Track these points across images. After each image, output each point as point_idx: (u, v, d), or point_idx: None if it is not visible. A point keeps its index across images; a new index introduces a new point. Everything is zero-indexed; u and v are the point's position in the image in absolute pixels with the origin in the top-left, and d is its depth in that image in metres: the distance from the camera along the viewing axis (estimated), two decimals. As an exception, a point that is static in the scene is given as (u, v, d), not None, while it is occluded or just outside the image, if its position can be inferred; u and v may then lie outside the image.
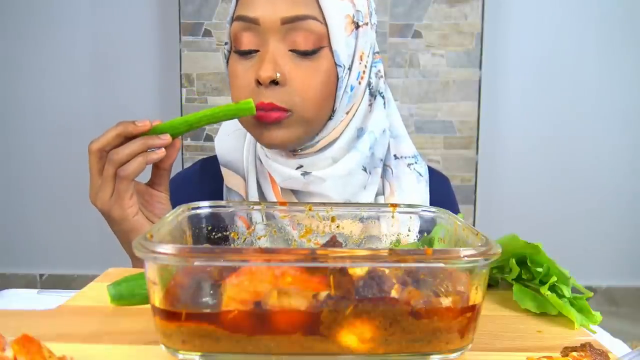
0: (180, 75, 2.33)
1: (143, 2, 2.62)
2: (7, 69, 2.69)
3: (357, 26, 0.71)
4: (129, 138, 0.64)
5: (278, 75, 0.67)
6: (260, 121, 0.69)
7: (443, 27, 2.27)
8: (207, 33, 2.29)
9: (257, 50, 0.69)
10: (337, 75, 0.70)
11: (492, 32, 2.51)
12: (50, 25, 2.64)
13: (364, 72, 0.74)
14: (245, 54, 0.70)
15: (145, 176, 0.69)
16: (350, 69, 0.71)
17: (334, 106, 0.72)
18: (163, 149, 0.65)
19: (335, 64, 0.69)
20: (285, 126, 0.69)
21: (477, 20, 2.26)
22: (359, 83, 0.73)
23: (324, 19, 0.67)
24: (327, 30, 0.68)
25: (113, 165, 0.63)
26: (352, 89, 0.72)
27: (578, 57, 2.62)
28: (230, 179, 0.80)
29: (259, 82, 0.68)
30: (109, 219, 0.67)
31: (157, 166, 0.69)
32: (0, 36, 2.66)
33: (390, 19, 2.27)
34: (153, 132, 0.65)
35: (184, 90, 2.33)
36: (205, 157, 0.89)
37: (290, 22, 0.66)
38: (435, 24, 2.27)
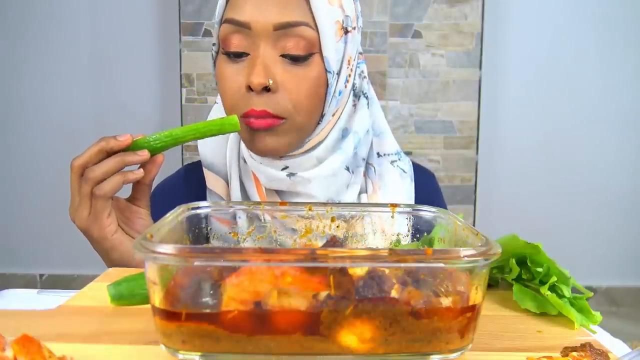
0: (180, 75, 2.33)
1: (143, 2, 2.62)
2: (7, 69, 2.69)
3: (346, 31, 0.71)
4: (111, 153, 0.63)
5: (270, 82, 0.66)
6: (252, 127, 0.68)
7: (443, 27, 2.27)
8: (207, 33, 2.29)
9: (247, 54, 0.68)
10: (327, 81, 0.70)
11: (492, 32, 2.51)
12: (50, 25, 2.64)
13: (350, 75, 0.74)
14: (235, 56, 0.69)
15: (126, 191, 0.68)
16: (338, 74, 0.71)
17: (322, 110, 0.72)
18: (141, 170, 0.64)
19: (326, 70, 0.69)
20: (278, 134, 0.69)
21: (477, 20, 2.26)
22: (345, 87, 0.74)
23: (315, 25, 0.67)
24: (319, 37, 0.67)
25: (89, 183, 0.62)
26: (340, 94, 0.73)
27: (578, 57, 2.62)
28: (212, 181, 0.80)
29: (250, 88, 0.67)
30: (87, 238, 0.66)
31: (137, 181, 0.68)
32: (1, 36, 2.66)
33: (390, 19, 2.27)
34: (136, 146, 0.64)
35: (184, 90, 2.33)
36: (188, 163, 0.89)
37: (284, 28, 0.66)
38: (435, 24, 2.27)
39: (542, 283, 0.53)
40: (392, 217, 0.58)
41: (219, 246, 0.57)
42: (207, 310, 0.40)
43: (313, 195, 0.74)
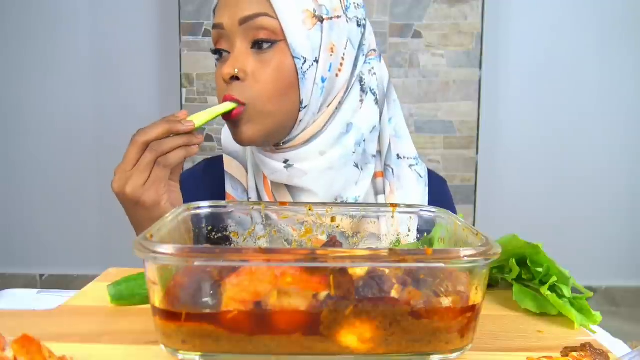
0: (180, 75, 2.33)
1: (143, 2, 2.62)
2: (7, 69, 2.69)
3: (322, 20, 0.73)
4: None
5: (236, 71, 0.71)
6: (225, 119, 0.74)
7: (443, 27, 2.27)
8: (207, 33, 2.29)
9: (228, 52, 0.74)
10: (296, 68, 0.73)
11: (492, 32, 2.51)
12: (51, 25, 2.64)
13: (341, 64, 0.75)
14: (221, 55, 0.75)
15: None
16: (317, 61, 0.73)
17: (300, 98, 0.73)
18: (197, 145, 0.71)
19: (293, 56, 0.72)
20: (244, 122, 0.73)
21: (477, 20, 2.26)
22: (336, 75, 0.75)
23: (276, 14, 0.71)
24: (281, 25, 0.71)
25: (155, 154, 0.67)
26: (323, 81, 0.74)
27: (578, 57, 2.62)
28: (232, 168, 0.84)
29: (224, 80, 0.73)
30: (136, 207, 0.69)
31: None
32: (1, 36, 2.66)
33: (390, 19, 2.27)
34: None
35: (184, 90, 2.33)
36: (209, 157, 0.92)
37: (246, 22, 0.71)
38: (435, 24, 2.27)
39: (542, 283, 0.53)
40: (393, 217, 0.58)
41: (219, 246, 0.57)
42: (207, 310, 0.40)
43: (314, 191, 0.75)
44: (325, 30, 0.73)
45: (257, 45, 0.72)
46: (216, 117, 0.73)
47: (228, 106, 0.72)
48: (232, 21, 0.72)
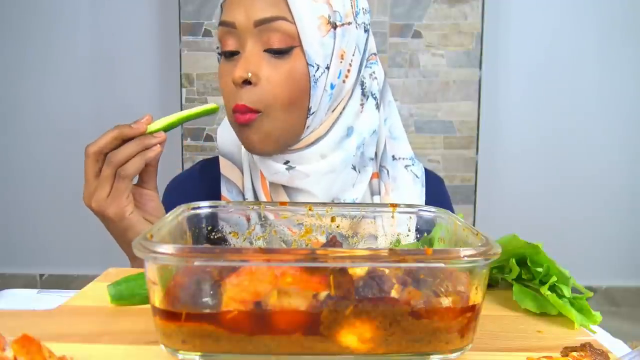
0: (180, 75, 2.33)
1: (143, 2, 2.62)
2: (7, 69, 2.69)
3: (335, 26, 0.72)
4: (125, 140, 0.67)
5: (249, 74, 0.69)
6: (237, 122, 0.72)
7: (443, 27, 2.27)
8: (207, 33, 2.29)
9: (238, 52, 0.72)
10: (309, 74, 0.72)
11: (492, 32, 2.51)
12: (50, 25, 2.64)
13: (348, 70, 0.74)
14: (229, 55, 0.73)
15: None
16: (328, 68, 0.72)
17: (309, 104, 0.72)
18: (159, 146, 0.68)
19: (307, 63, 0.71)
20: (257, 129, 0.71)
21: (477, 20, 2.27)
22: (343, 82, 0.74)
23: (294, 19, 0.70)
24: (298, 30, 0.70)
25: (112, 166, 0.66)
26: (332, 87, 0.73)
27: (578, 57, 2.62)
28: (227, 169, 0.82)
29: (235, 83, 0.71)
30: (104, 219, 0.69)
31: (145, 164, 0.71)
32: (1, 36, 2.66)
33: (390, 19, 2.27)
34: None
35: (184, 90, 2.33)
36: (205, 158, 0.91)
37: (262, 24, 0.69)
38: (435, 24, 2.27)
39: (542, 283, 0.53)
40: (392, 217, 0.58)
41: (219, 246, 0.57)
42: (207, 310, 0.40)
43: (313, 192, 0.75)
44: (338, 36, 0.72)
45: (272, 49, 0.69)
46: (183, 120, 0.71)
47: (202, 108, 0.70)
48: (246, 21, 0.69)
